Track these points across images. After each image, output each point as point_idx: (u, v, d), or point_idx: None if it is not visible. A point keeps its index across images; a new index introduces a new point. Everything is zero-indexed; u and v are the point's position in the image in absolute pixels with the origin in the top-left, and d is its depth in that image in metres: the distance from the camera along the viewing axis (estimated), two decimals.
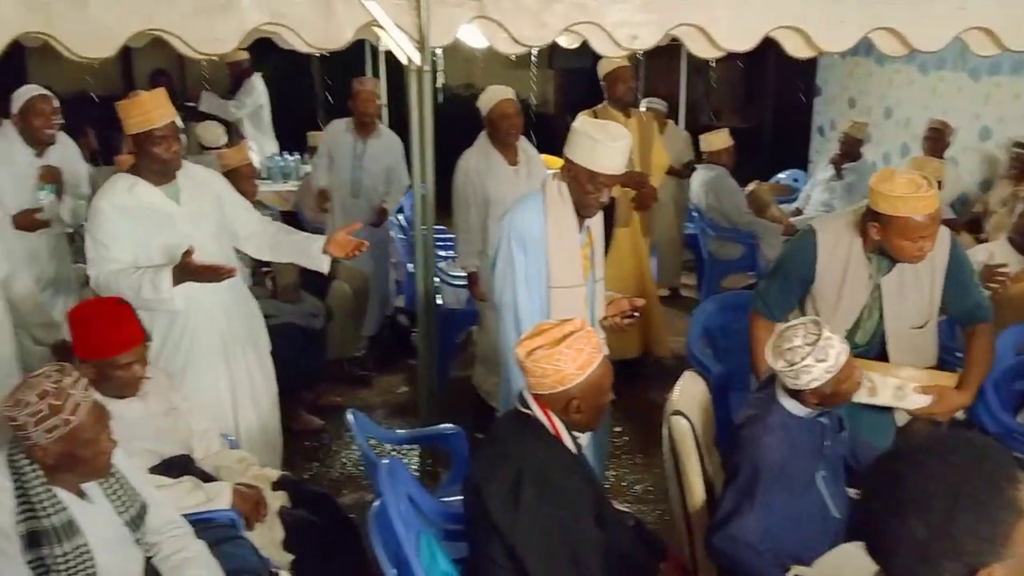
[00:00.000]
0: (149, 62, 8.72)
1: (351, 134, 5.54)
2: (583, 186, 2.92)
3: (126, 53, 9.69)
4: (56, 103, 4.05)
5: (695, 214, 6.36)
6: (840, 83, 8.19)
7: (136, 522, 2.30)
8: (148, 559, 2.36)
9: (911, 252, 2.77)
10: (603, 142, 2.86)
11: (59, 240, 4.09)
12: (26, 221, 3.83)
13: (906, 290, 2.94)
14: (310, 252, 3.37)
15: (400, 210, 6.76)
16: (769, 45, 3.70)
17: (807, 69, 8.26)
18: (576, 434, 2.35)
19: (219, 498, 2.73)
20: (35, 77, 5.28)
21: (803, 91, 8.94)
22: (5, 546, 2.06)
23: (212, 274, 3.12)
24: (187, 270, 3.07)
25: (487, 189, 4.48)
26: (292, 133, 8.15)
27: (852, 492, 2.59)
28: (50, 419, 2.04)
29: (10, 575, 2.06)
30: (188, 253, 3.06)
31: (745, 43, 3.65)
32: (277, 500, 2.91)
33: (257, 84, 7.68)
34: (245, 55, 8.30)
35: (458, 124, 5.11)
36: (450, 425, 3.31)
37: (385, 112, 7.18)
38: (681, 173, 6.37)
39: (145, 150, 3.14)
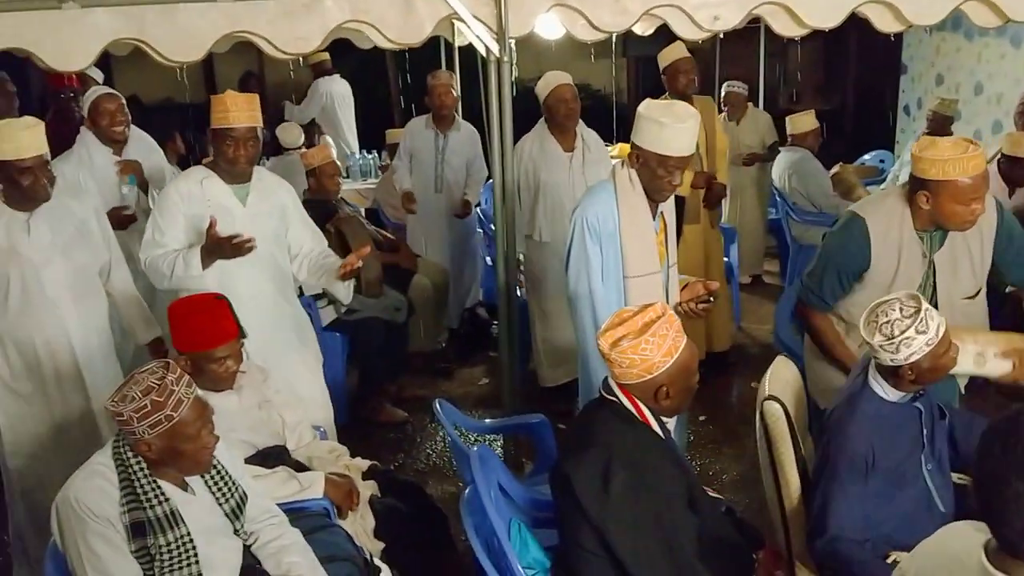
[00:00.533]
0: (231, 67, 8.93)
1: (431, 130, 5.60)
2: (653, 171, 2.89)
3: (208, 60, 10.01)
4: (122, 101, 4.10)
5: (778, 199, 6.21)
6: (927, 60, 7.91)
7: (236, 512, 2.36)
8: (247, 547, 2.43)
9: (964, 217, 2.73)
10: (670, 125, 2.83)
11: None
12: (114, 218, 3.92)
13: (958, 262, 2.91)
14: (333, 285, 3.47)
15: (477, 204, 6.81)
16: (851, 24, 3.60)
17: (891, 47, 7.99)
18: (664, 419, 2.33)
19: (313, 487, 2.79)
20: (121, 87, 5.45)
21: (888, 70, 8.65)
22: (112, 535, 2.14)
23: (234, 248, 3.17)
24: (212, 246, 3.16)
25: (539, 174, 4.50)
26: (370, 132, 8.28)
27: (956, 478, 2.51)
28: (153, 415, 2.10)
29: (119, 563, 2.14)
30: (211, 226, 3.14)
31: (831, 19, 3.55)
32: (367, 489, 2.96)
33: (320, 86, 7.84)
34: (325, 56, 8.48)
35: (532, 117, 5.12)
36: (536, 414, 3.31)
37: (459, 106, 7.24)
38: (764, 157, 6.24)
39: (218, 146, 3.24)
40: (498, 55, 3.54)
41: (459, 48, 7.39)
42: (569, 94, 4.49)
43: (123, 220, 3.96)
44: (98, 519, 2.13)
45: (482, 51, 3.59)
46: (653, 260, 3.00)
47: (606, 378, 2.36)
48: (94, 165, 4.02)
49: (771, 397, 2.57)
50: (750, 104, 6.65)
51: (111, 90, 4.14)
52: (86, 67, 3.45)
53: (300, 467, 2.90)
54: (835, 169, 6.14)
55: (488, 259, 5.99)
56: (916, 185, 2.78)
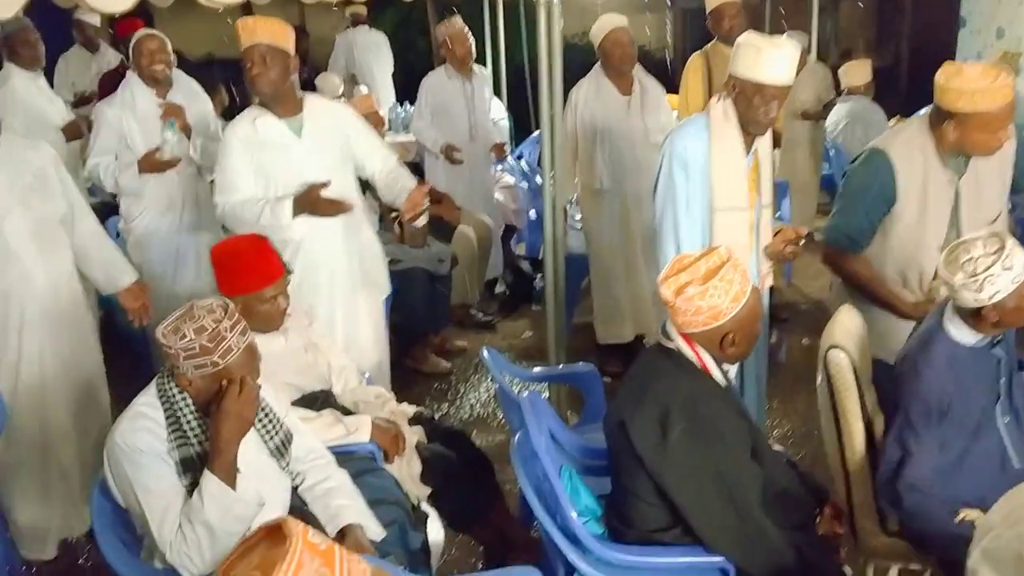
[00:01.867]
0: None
1: (456, 79, 5.48)
2: (749, 100, 2.76)
3: (249, 14, 9.94)
4: (163, 41, 4.00)
5: (833, 152, 6.02)
6: (987, 13, 7.56)
7: (281, 450, 2.33)
8: (294, 489, 2.40)
9: (991, 145, 2.69)
10: (768, 50, 2.72)
11: (196, 183, 4.12)
12: (149, 162, 3.86)
13: (982, 186, 2.85)
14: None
15: (519, 156, 6.70)
16: None
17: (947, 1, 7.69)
18: (726, 367, 2.24)
19: (359, 431, 2.74)
20: None
21: (944, 24, 8.32)
22: (163, 468, 2.11)
23: (332, 208, 3.15)
24: (308, 200, 3.12)
25: (595, 119, 4.38)
26: (410, 84, 8.19)
27: None
28: (200, 357, 2.06)
29: (173, 492, 2.11)
30: (316, 187, 3.10)
31: None
32: (414, 435, 2.91)
33: (347, 36, 7.97)
34: (360, 9, 8.39)
35: (576, 72, 5.00)
36: (584, 364, 3.24)
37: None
38: (819, 115, 6.02)
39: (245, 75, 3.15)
40: None
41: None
42: (626, 37, 4.37)
43: (157, 164, 3.88)
44: (147, 454, 2.10)
45: None
46: (743, 195, 2.88)
47: (664, 323, 2.27)
48: (136, 106, 3.95)
49: (835, 346, 2.47)
50: (809, 58, 6.43)
51: (154, 31, 4.07)
52: (128, 8, 3.39)
53: (346, 412, 2.87)
54: (893, 122, 5.93)
55: (532, 212, 5.89)
56: (942, 116, 2.70)
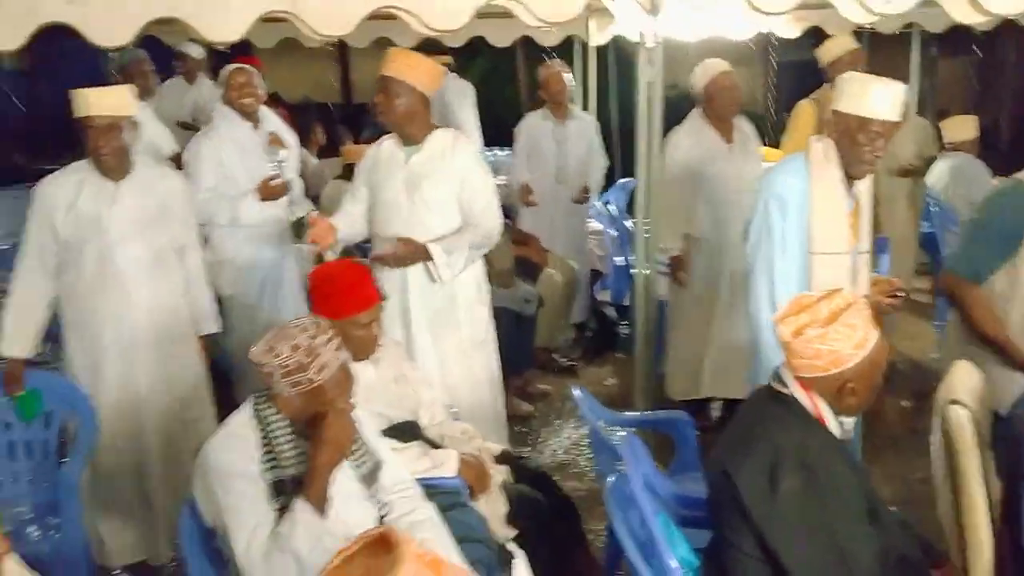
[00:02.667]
0: (365, 69, 9.07)
1: (548, 120, 5.53)
2: (853, 138, 2.68)
3: (344, 59, 10.23)
4: (253, 76, 4.08)
5: (934, 209, 5.80)
6: None
7: (370, 479, 2.29)
8: (381, 518, 2.34)
9: None
10: (874, 84, 2.67)
11: (282, 224, 4.15)
12: (268, 190, 3.93)
13: None
14: None
15: (607, 201, 6.66)
16: (1008, 33, 3.33)
17: None
18: (843, 419, 2.12)
19: (446, 465, 2.69)
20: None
21: None
22: (252, 489, 2.09)
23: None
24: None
25: (700, 167, 4.28)
26: (500, 130, 8.28)
27: None
28: (295, 374, 2.05)
29: (259, 515, 2.08)
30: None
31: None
32: (500, 474, 2.85)
33: None
34: (448, 58, 8.42)
35: (665, 124, 4.95)
36: (679, 411, 3.14)
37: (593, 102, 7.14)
38: (919, 170, 5.82)
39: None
40: (651, 34, 3.39)
41: (595, 48, 7.32)
42: (730, 82, 4.28)
43: (276, 190, 3.95)
44: (238, 476, 2.08)
45: (634, 36, 3.45)
46: (843, 239, 2.78)
47: (777, 369, 2.17)
48: (235, 138, 4.04)
49: (956, 401, 2.31)
50: (910, 111, 6.26)
51: (243, 65, 4.14)
52: (238, 39, 3.48)
53: (433, 445, 2.82)
54: (996, 181, 5.70)
55: (618, 258, 5.82)
56: None
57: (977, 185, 5.53)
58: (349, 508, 2.20)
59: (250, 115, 4.06)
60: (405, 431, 2.79)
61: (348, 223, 3.36)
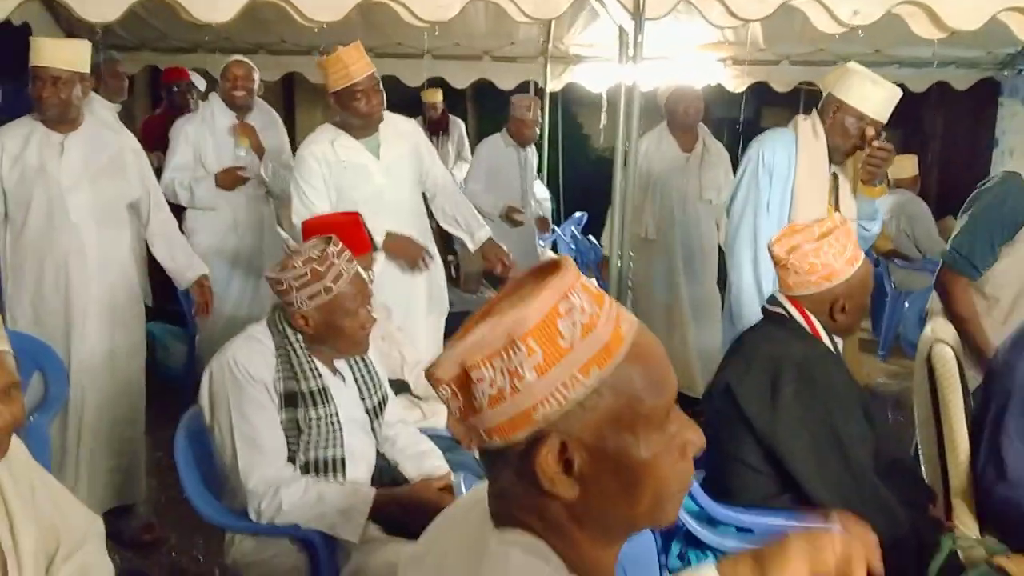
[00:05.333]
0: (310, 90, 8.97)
1: (512, 147, 5.57)
2: (845, 128, 2.88)
3: (289, 83, 10.13)
4: (251, 70, 4.12)
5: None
6: (1021, 133, 7.80)
7: (376, 411, 2.28)
8: (379, 453, 2.32)
9: None
10: (881, 85, 2.86)
11: (262, 207, 4.18)
12: (227, 178, 3.95)
13: None
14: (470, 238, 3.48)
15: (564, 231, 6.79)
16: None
17: (984, 117, 7.93)
18: (835, 338, 2.19)
19: (437, 417, 2.69)
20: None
21: (978, 146, 8.58)
22: (266, 401, 2.07)
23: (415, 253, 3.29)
24: (398, 245, 3.23)
25: (652, 169, 4.45)
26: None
27: None
28: (312, 285, 2.04)
29: (268, 432, 2.06)
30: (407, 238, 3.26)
31: (974, 21, 3.48)
32: None
33: None
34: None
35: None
36: None
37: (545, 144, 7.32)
38: None
39: (347, 105, 3.19)
40: (633, 31, 3.52)
41: (549, 93, 7.54)
42: (691, 94, 4.50)
43: (234, 179, 3.98)
44: (255, 382, 2.05)
45: (618, 22, 3.56)
46: (822, 211, 2.92)
47: (772, 294, 2.24)
48: (215, 126, 4.06)
49: (942, 341, 2.41)
50: None
51: (242, 58, 4.20)
52: (230, 19, 3.51)
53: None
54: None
55: None
56: None
57: (918, 221, 5.83)
58: (354, 437, 2.17)
59: (239, 108, 4.08)
60: (393, 386, 2.77)
61: None
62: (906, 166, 5.91)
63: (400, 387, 2.80)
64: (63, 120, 2.99)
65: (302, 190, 3.24)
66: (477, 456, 2.56)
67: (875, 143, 2.88)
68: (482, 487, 1.02)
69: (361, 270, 2.15)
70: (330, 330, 2.08)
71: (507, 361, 0.87)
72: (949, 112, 9.51)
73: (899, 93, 2.89)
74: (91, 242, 3.04)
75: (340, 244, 2.13)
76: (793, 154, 2.92)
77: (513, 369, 0.87)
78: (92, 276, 3.05)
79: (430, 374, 0.92)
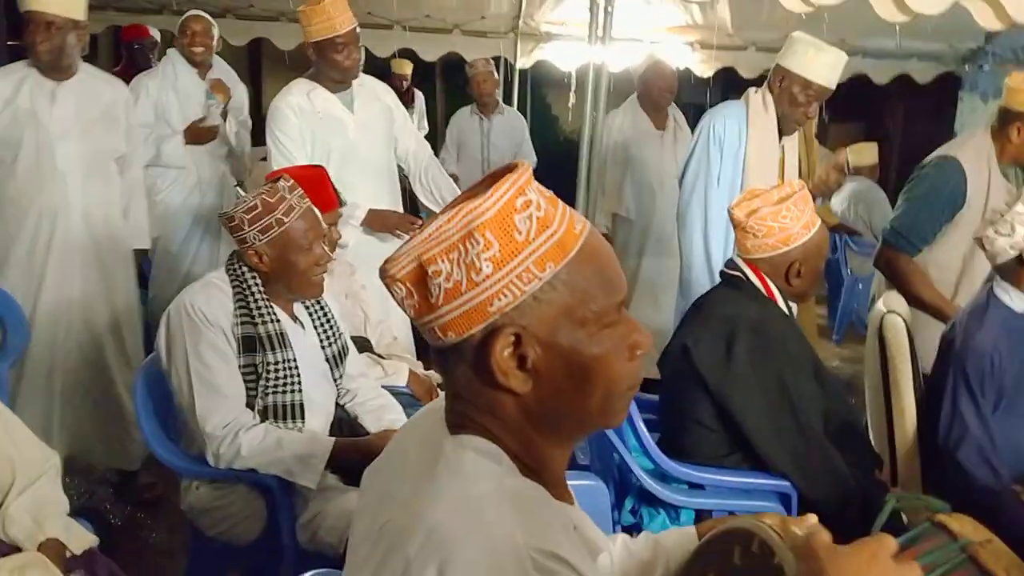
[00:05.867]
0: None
1: (475, 115, 5.72)
2: (793, 96, 2.91)
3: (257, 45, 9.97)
4: (210, 26, 4.06)
5: (835, 235, 6.16)
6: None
7: (336, 360, 2.29)
8: (340, 406, 2.33)
9: None
10: (825, 51, 2.88)
11: (224, 167, 4.13)
12: (194, 132, 3.89)
13: None
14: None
15: None
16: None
17: (944, 111, 8.08)
18: (790, 303, 2.24)
19: (398, 375, 2.71)
20: None
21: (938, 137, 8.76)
22: (223, 346, 2.07)
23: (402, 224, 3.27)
24: (381, 219, 3.23)
25: (629, 150, 4.48)
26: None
27: None
28: (264, 218, 2.05)
29: (226, 376, 2.06)
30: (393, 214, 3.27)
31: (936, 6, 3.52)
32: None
33: None
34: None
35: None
36: None
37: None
38: (825, 195, 6.19)
39: (326, 57, 3.16)
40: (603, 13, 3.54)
41: (519, 70, 7.54)
42: (669, 70, 4.52)
43: (203, 133, 3.92)
44: (212, 327, 2.05)
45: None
46: (772, 181, 2.96)
47: (730, 258, 2.29)
48: (178, 82, 3.98)
49: (893, 311, 2.48)
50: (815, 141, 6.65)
51: (201, 13, 4.12)
52: None
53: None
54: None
55: None
56: (1009, 118, 2.83)
57: (876, 208, 5.93)
58: (313, 385, 2.18)
59: (199, 64, 4.02)
60: (356, 344, 2.78)
61: None
62: (866, 154, 6.01)
63: (363, 345, 2.80)
64: (56, 68, 2.95)
65: (280, 141, 3.20)
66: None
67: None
68: (440, 400, 1.04)
69: (314, 207, 2.15)
70: (285, 267, 2.09)
71: (464, 254, 0.89)
72: (911, 105, 9.68)
73: (844, 58, 2.92)
74: (77, 193, 3.00)
75: (292, 181, 2.14)
76: (744, 127, 2.97)
77: (470, 262, 0.89)
78: (77, 227, 3.01)
79: (384, 271, 0.93)
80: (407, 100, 7.46)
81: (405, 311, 0.95)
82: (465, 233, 0.89)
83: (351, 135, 3.26)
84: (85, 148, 3.01)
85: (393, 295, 0.95)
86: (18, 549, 1.61)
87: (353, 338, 2.79)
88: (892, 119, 10.59)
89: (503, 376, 0.91)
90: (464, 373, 0.94)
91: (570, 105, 6.36)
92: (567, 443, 1.00)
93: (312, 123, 3.22)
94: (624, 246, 4.51)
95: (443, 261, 0.90)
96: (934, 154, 3.07)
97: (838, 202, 6.14)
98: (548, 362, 0.92)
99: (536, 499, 0.93)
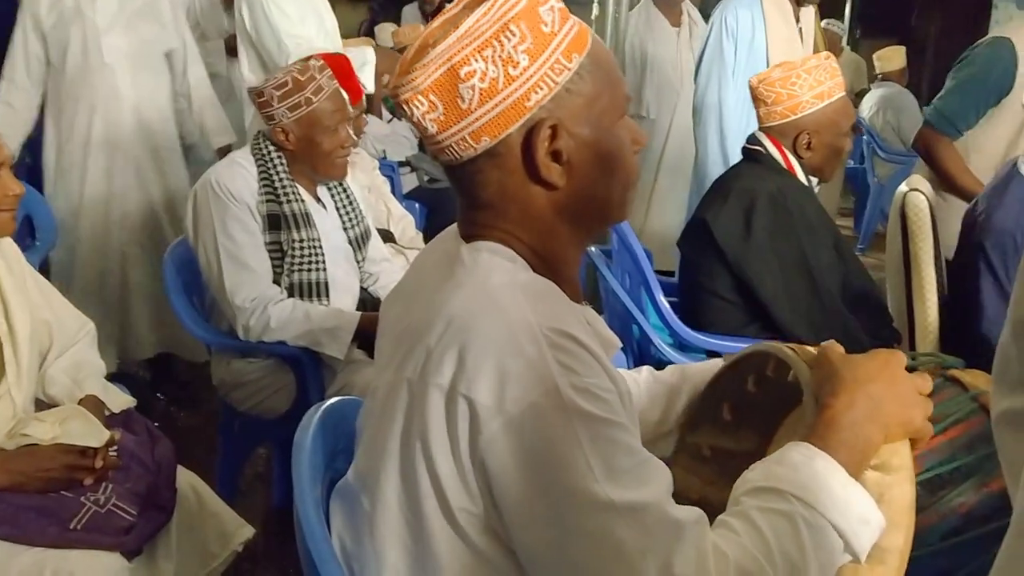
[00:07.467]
0: None
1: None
2: None
3: None
4: None
5: (864, 138, 6.06)
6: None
7: (359, 242, 2.32)
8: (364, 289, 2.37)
9: None
10: None
11: None
12: None
13: None
14: None
15: None
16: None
17: (979, 20, 7.85)
18: (812, 178, 2.24)
19: None
20: None
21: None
22: (249, 221, 2.11)
23: None
24: None
25: (646, 48, 4.40)
26: None
27: None
28: (293, 95, 2.07)
29: (253, 252, 2.10)
30: None
31: None
32: None
33: None
34: None
35: None
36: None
37: None
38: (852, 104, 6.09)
39: None
40: None
41: None
42: None
43: None
44: (238, 203, 2.09)
45: None
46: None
47: (752, 133, 2.28)
48: None
49: (916, 189, 2.46)
50: (846, 47, 6.52)
51: None
52: None
53: None
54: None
55: None
56: None
57: (906, 113, 5.82)
58: (337, 266, 2.22)
59: None
60: (380, 235, 2.82)
61: None
62: (893, 58, 5.88)
63: (386, 237, 2.84)
64: None
65: (274, 20, 3.07)
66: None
67: None
68: (451, 228, 1.06)
69: (342, 90, 2.17)
70: (310, 147, 2.12)
71: (500, 49, 0.89)
72: (944, 16, 9.40)
73: None
74: (126, 85, 3.01)
75: (322, 62, 2.15)
76: (758, 13, 2.91)
77: (507, 56, 0.89)
78: (127, 120, 3.02)
79: (404, 87, 0.91)
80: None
81: (423, 129, 0.93)
82: (500, 27, 0.89)
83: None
84: (131, 40, 3.01)
85: (410, 114, 0.93)
86: None
87: (378, 229, 2.85)
88: (925, 32, 10.29)
89: (545, 169, 0.93)
90: (495, 179, 0.95)
91: (592, 17, 6.27)
92: (586, 240, 1.04)
93: None
94: (649, 146, 4.46)
95: (477, 60, 0.89)
96: (991, 34, 2.96)
97: (866, 108, 6.04)
98: (580, 155, 0.94)
99: (549, 291, 0.96)
